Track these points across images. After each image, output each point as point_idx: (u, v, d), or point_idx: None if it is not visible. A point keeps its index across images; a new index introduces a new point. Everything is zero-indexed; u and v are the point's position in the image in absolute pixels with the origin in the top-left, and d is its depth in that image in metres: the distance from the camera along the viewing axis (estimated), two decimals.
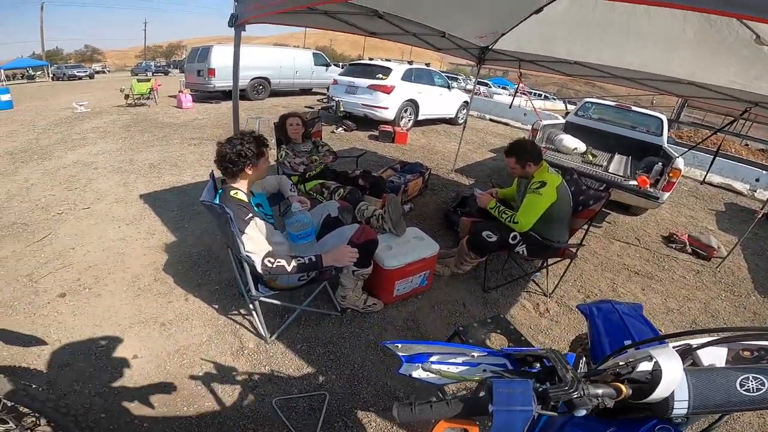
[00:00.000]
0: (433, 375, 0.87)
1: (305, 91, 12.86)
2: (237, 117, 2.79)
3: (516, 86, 5.85)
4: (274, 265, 1.74)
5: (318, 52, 13.18)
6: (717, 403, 0.61)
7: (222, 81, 9.62)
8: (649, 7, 2.34)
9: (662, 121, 5.57)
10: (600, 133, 5.65)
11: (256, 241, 1.76)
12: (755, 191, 6.87)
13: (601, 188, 2.59)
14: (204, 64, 9.70)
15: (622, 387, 0.63)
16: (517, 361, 0.87)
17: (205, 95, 10.60)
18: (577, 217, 2.57)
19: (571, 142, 5.05)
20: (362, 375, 1.94)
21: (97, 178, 4.24)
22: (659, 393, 0.61)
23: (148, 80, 9.80)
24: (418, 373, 0.88)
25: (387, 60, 10.04)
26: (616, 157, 5.13)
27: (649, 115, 5.88)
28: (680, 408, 0.61)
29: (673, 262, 3.67)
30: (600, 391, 0.63)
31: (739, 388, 0.60)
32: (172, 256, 2.82)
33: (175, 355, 1.96)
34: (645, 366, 0.63)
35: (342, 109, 7.75)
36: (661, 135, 5.34)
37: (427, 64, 10.37)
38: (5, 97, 8.74)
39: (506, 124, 11.19)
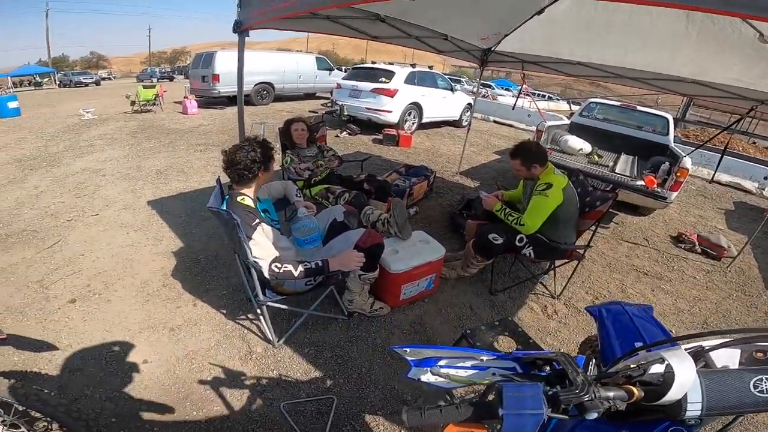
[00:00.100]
0: (442, 379, 0.87)
1: (309, 96, 12.94)
2: (242, 122, 2.82)
3: (519, 87, 5.84)
4: (281, 270, 1.75)
5: (321, 56, 13.24)
6: (731, 404, 0.61)
7: (226, 86, 9.72)
8: (650, 7, 2.33)
9: (668, 121, 5.52)
10: (605, 134, 5.61)
11: (263, 247, 1.77)
12: (764, 189, 6.78)
13: (608, 189, 2.58)
14: (208, 70, 9.81)
15: (634, 389, 0.63)
16: (526, 364, 0.87)
17: (209, 101, 10.73)
18: (584, 219, 2.55)
19: (576, 142, 5.02)
20: (370, 379, 1.94)
21: (105, 185, 4.29)
22: (672, 395, 0.61)
23: (154, 86, 9.90)
24: (427, 378, 0.88)
25: (390, 63, 10.06)
26: (623, 157, 5.09)
27: (655, 114, 5.83)
28: (694, 410, 0.61)
29: (682, 262, 3.63)
30: (611, 394, 0.63)
31: (752, 389, 0.60)
32: (180, 262, 2.85)
33: (184, 359, 1.98)
34: (657, 368, 0.63)
35: (346, 113, 7.74)
36: (668, 134, 5.29)
37: (430, 67, 10.40)
38: (13, 105, 8.77)
39: (510, 125, 11.18)
